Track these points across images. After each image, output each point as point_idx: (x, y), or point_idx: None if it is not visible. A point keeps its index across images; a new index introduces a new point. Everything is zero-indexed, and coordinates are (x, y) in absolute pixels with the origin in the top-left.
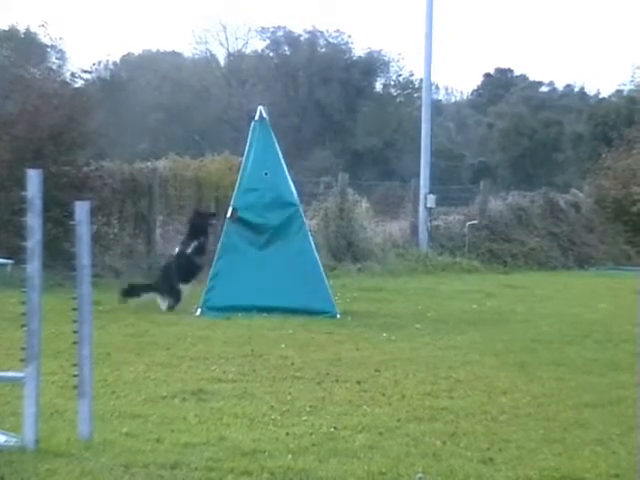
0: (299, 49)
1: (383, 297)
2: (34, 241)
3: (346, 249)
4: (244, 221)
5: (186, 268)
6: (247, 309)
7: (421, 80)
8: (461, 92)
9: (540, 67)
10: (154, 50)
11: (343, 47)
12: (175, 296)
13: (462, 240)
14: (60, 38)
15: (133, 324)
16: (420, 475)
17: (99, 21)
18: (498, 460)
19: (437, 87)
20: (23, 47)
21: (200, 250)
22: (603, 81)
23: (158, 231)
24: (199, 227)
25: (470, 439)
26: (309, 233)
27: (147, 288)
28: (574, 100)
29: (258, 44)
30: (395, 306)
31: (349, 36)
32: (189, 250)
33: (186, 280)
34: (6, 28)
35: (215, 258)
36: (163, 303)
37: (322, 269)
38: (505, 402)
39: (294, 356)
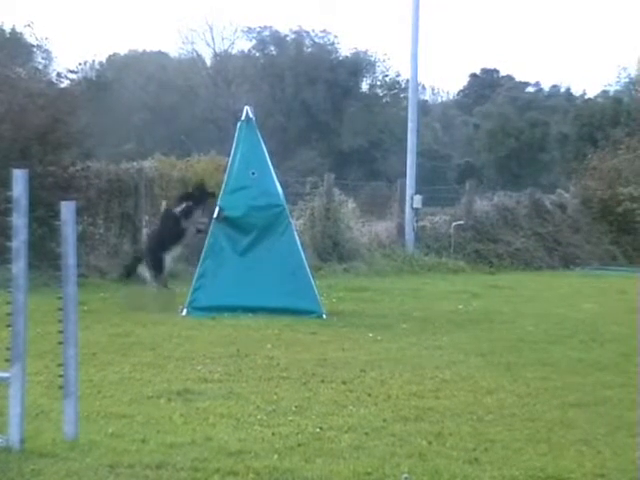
0: (285, 49)
1: (369, 297)
2: (19, 241)
3: (332, 249)
4: (230, 221)
5: (170, 231)
6: (233, 309)
7: (407, 80)
8: (447, 92)
9: (526, 67)
10: (140, 50)
11: (329, 47)
12: (158, 267)
13: (448, 240)
14: (46, 38)
15: (118, 324)
16: (406, 475)
17: (85, 21)
18: (484, 460)
19: (423, 87)
20: (9, 47)
21: (188, 213)
22: (589, 82)
23: (144, 231)
24: (194, 196)
25: (456, 439)
26: (295, 233)
27: (136, 261)
28: (560, 100)
29: (244, 44)
30: (381, 306)
31: (335, 36)
32: (177, 210)
33: (169, 248)
34: None
35: (201, 258)
36: (148, 275)
37: (308, 269)
38: (491, 402)
39: (280, 356)
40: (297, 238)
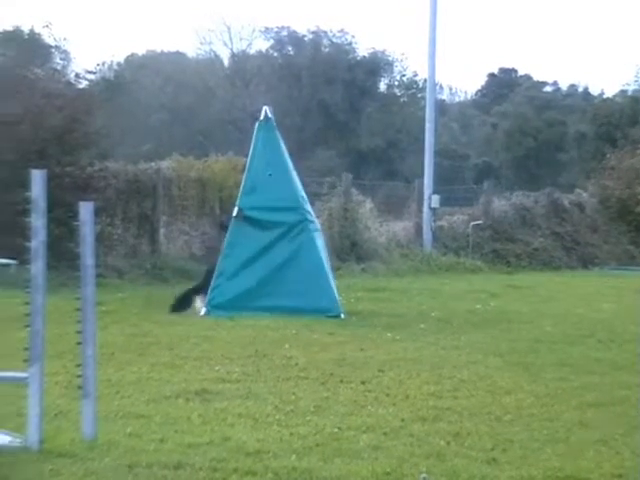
0: (303, 49)
1: (387, 297)
2: (38, 241)
3: (350, 249)
4: (250, 220)
5: None
6: (251, 309)
7: (425, 80)
8: (465, 92)
9: (544, 67)
10: (158, 50)
11: (347, 47)
12: None
13: (466, 240)
14: (64, 39)
15: (136, 324)
16: (424, 475)
17: (103, 22)
18: (502, 460)
19: (441, 87)
20: (27, 47)
21: None
22: (607, 81)
23: (162, 231)
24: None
25: (474, 439)
26: (315, 232)
27: (194, 291)
28: (578, 100)
29: (262, 44)
30: (399, 306)
31: (353, 36)
32: None
33: None
34: (10, 28)
35: (220, 257)
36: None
37: (328, 268)
38: (509, 402)
39: (298, 356)
40: (317, 237)
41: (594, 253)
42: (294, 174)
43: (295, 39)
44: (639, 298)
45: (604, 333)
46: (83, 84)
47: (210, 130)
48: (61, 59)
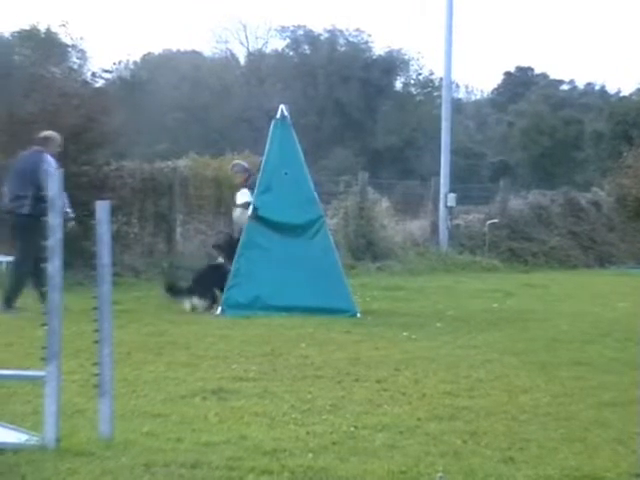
0: (319, 48)
1: (403, 296)
2: (55, 240)
3: (366, 248)
4: (264, 220)
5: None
6: (267, 308)
7: (441, 79)
8: (481, 91)
9: (561, 65)
10: (174, 49)
11: (363, 46)
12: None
13: (482, 239)
14: (81, 38)
15: (153, 323)
16: (441, 474)
17: (120, 21)
18: (518, 459)
19: (457, 86)
20: (44, 47)
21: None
22: (624, 79)
23: (178, 230)
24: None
25: (490, 438)
26: (329, 232)
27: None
28: (594, 98)
29: (278, 43)
30: (415, 305)
31: (369, 35)
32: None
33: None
34: (27, 28)
35: (235, 256)
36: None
37: (342, 268)
38: (525, 401)
39: (314, 355)
40: (331, 237)
41: (611, 252)
42: (308, 173)
43: (311, 38)
44: None
45: (621, 332)
46: (100, 83)
47: (226, 129)
48: (77, 58)
